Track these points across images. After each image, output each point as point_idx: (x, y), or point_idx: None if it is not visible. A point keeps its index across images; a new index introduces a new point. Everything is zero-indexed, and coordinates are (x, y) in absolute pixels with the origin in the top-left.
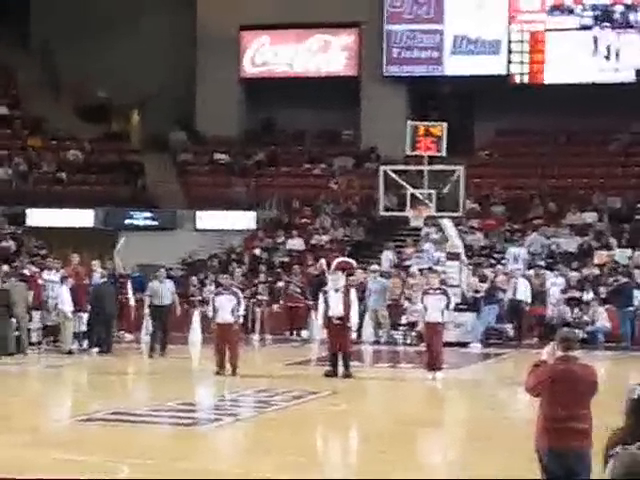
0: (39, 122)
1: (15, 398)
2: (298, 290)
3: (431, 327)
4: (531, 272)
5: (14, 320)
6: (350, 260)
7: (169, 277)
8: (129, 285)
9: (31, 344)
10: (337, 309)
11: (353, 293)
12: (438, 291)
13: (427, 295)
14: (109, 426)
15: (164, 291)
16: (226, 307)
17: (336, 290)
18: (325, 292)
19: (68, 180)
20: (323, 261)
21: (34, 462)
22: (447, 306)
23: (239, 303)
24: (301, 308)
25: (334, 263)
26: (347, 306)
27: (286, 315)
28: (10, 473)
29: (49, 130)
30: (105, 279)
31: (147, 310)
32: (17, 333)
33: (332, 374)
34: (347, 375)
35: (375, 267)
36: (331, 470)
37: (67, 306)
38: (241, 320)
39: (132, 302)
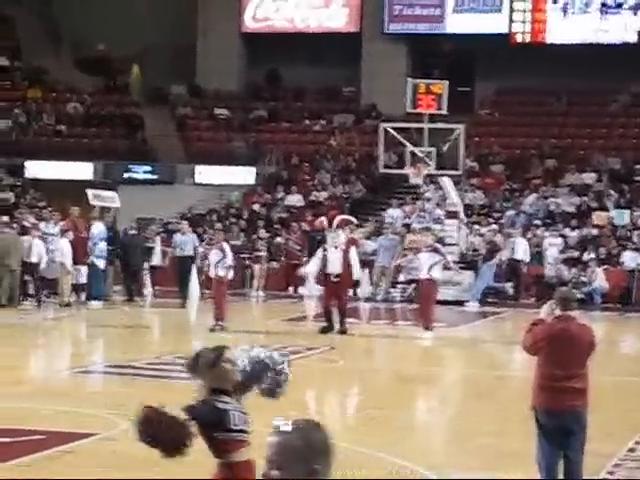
0: (39, 74)
1: (13, 349)
2: (297, 247)
3: (421, 285)
4: (530, 232)
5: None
6: (351, 218)
7: (193, 231)
8: (158, 239)
9: (29, 296)
10: (335, 266)
11: (353, 250)
12: (429, 248)
13: (420, 253)
14: (107, 378)
15: (187, 243)
16: (212, 261)
17: (335, 247)
18: (324, 249)
19: (67, 132)
20: (323, 218)
21: (33, 413)
22: (439, 264)
23: (225, 257)
24: (300, 265)
25: (335, 221)
26: (346, 263)
27: (285, 272)
28: (10, 424)
29: (49, 82)
30: (134, 231)
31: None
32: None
33: (328, 330)
34: (342, 331)
35: (387, 224)
36: (331, 426)
37: (67, 259)
38: (228, 275)
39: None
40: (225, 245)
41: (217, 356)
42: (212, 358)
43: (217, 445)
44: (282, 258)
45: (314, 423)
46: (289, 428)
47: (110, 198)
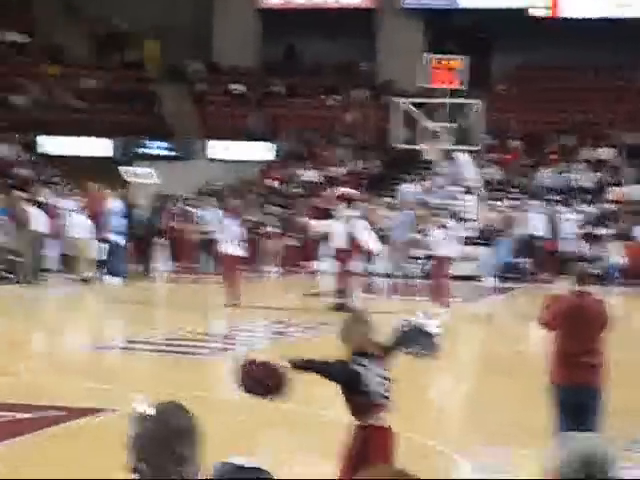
0: (56, 50)
1: (33, 325)
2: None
3: (434, 261)
4: (546, 207)
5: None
6: (353, 190)
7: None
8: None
9: (47, 271)
10: (340, 241)
11: (360, 225)
12: (442, 226)
13: (433, 230)
14: (126, 354)
15: (212, 218)
16: (223, 237)
17: (340, 222)
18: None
19: (85, 109)
20: (330, 192)
21: (53, 389)
22: (451, 240)
23: (236, 233)
24: (313, 240)
25: (337, 195)
26: (352, 239)
27: (301, 247)
28: (29, 399)
29: (66, 58)
30: (147, 209)
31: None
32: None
33: (342, 307)
34: (338, 307)
35: (404, 199)
36: None
37: (87, 233)
38: (240, 251)
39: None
40: (237, 221)
41: (354, 319)
42: (349, 323)
43: (352, 406)
44: (298, 234)
45: (174, 406)
46: (149, 411)
47: (147, 174)
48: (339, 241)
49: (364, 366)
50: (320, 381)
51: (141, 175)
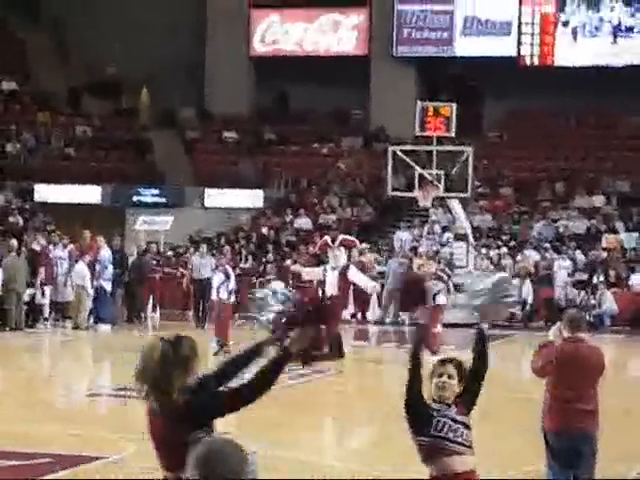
0: (48, 97)
1: (23, 372)
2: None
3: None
4: (538, 255)
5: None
6: (353, 238)
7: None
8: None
9: (40, 319)
10: (332, 289)
11: (353, 270)
12: (433, 276)
13: (428, 280)
14: (117, 402)
15: (204, 265)
16: (216, 284)
17: (334, 268)
18: (325, 269)
19: (76, 156)
20: (327, 238)
21: (42, 436)
22: (443, 291)
23: (228, 280)
24: (309, 287)
25: (337, 240)
26: (344, 287)
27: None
28: (19, 446)
29: (58, 106)
30: (137, 255)
31: (185, 284)
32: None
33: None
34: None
35: (396, 247)
36: (341, 449)
37: (87, 282)
38: (231, 298)
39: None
40: (229, 268)
41: (433, 372)
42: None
43: (420, 448)
44: (290, 281)
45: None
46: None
47: (163, 222)
48: (330, 288)
49: (437, 410)
50: (301, 427)
51: (157, 223)
